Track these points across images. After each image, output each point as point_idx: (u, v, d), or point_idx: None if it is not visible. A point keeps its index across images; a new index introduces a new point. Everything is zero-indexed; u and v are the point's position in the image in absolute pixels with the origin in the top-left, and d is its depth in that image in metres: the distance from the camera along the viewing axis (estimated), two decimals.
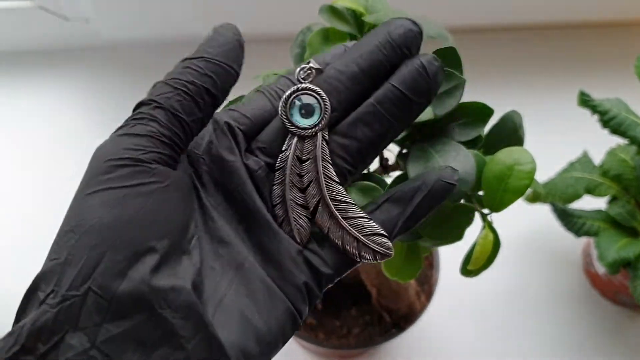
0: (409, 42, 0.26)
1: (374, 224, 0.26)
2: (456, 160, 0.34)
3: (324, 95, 0.26)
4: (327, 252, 0.26)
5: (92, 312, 0.21)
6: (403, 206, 0.27)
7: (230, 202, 0.26)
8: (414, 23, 0.26)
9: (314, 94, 0.26)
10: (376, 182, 0.35)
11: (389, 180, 0.37)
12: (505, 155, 0.35)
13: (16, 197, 0.71)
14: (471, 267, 0.36)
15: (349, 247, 0.26)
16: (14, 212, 0.70)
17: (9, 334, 0.22)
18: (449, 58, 0.36)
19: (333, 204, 0.26)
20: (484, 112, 0.36)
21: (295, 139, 0.26)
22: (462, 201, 0.36)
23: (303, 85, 0.26)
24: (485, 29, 0.80)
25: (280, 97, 0.27)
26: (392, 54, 0.26)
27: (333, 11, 0.39)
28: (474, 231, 0.37)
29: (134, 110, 0.25)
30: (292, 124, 0.26)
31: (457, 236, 0.37)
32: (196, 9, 0.73)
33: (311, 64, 0.26)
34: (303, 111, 0.26)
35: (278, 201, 0.26)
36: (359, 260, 0.26)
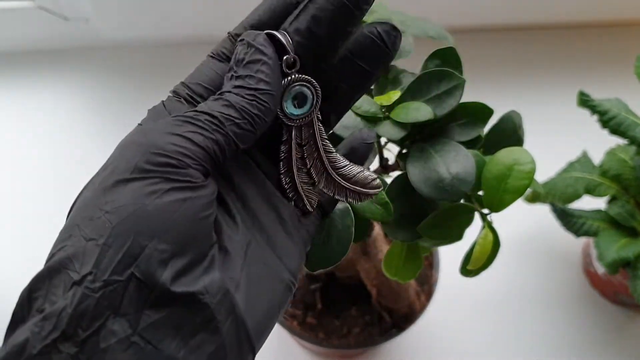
0: None
1: (367, 172, 0.29)
2: (456, 160, 0.34)
3: (313, 81, 0.26)
4: (310, 222, 0.29)
5: (134, 299, 0.21)
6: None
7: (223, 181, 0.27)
8: None
9: (305, 82, 0.26)
10: None
11: (388, 180, 0.37)
12: (505, 155, 0.35)
13: (16, 195, 0.71)
14: (471, 267, 0.36)
15: (351, 199, 0.30)
16: (13, 212, 0.70)
17: (43, 319, 0.21)
18: (449, 58, 0.36)
19: (335, 172, 0.29)
20: (484, 112, 0.36)
21: (294, 128, 0.27)
22: (462, 201, 0.36)
23: (298, 76, 0.26)
24: (485, 29, 0.80)
25: (227, 58, 0.27)
26: (352, 18, 0.25)
27: None
28: (473, 231, 0.37)
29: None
30: (288, 117, 0.27)
31: (457, 236, 0.37)
32: (196, 9, 0.73)
33: (292, 53, 0.26)
34: (296, 101, 0.27)
35: (289, 187, 0.28)
36: (361, 201, 0.30)
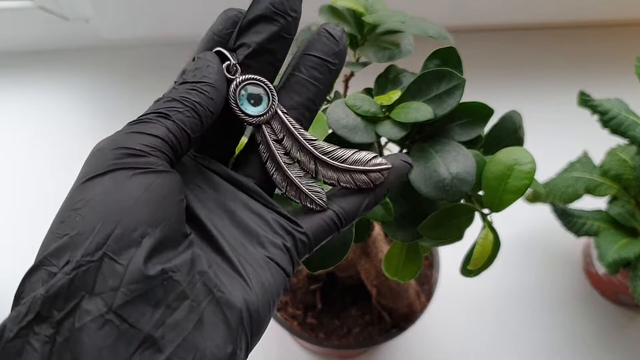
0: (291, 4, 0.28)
1: (364, 152, 0.28)
2: (456, 160, 0.34)
3: (260, 77, 0.27)
4: (302, 219, 0.28)
5: (108, 277, 0.22)
6: (363, 196, 0.28)
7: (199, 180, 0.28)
8: None
9: (253, 80, 0.27)
10: None
11: None
12: (505, 155, 0.35)
13: (16, 196, 0.71)
14: (471, 267, 0.36)
15: (361, 183, 0.28)
16: (13, 212, 0.70)
17: (21, 305, 0.22)
18: (449, 58, 0.36)
19: (328, 157, 0.28)
20: (484, 112, 0.36)
21: (263, 127, 0.28)
22: (462, 201, 0.36)
23: (238, 79, 0.27)
24: (485, 29, 0.80)
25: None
26: (286, 25, 0.27)
27: (333, 11, 0.39)
28: (474, 231, 0.37)
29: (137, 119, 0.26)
30: (250, 116, 0.28)
31: (457, 236, 0.37)
32: (196, 9, 0.73)
33: (232, 60, 0.27)
34: (252, 100, 0.28)
35: (285, 184, 0.28)
36: (373, 184, 0.28)
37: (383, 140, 0.37)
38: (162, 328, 0.22)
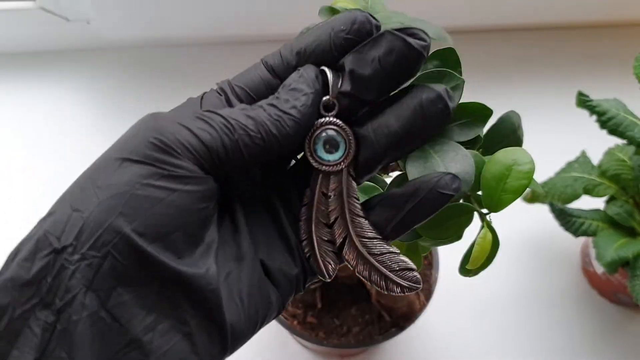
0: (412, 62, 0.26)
1: (403, 257, 0.26)
2: (455, 160, 0.34)
3: (348, 129, 0.26)
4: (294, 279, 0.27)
5: (108, 276, 0.22)
6: (394, 212, 0.27)
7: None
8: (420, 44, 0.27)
9: (338, 128, 0.25)
10: (375, 182, 0.35)
11: (388, 180, 0.37)
12: (504, 155, 0.35)
13: (17, 197, 0.71)
14: (470, 266, 0.36)
15: (377, 283, 0.26)
16: (14, 212, 0.70)
17: (24, 285, 0.22)
18: (449, 59, 0.37)
19: (360, 240, 0.26)
20: (483, 112, 0.36)
21: (321, 175, 0.26)
22: (461, 201, 0.36)
23: (327, 119, 0.25)
24: (485, 29, 0.80)
25: (271, 70, 0.26)
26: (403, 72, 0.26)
27: (333, 12, 0.39)
28: (473, 231, 0.37)
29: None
30: (317, 160, 0.26)
31: (456, 236, 0.37)
32: (196, 10, 0.73)
33: (331, 95, 0.25)
34: (327, 146, 0.26)
35: (305, 237, 0.27)
36: (387, 290, 0.27)
37: None
38: (151, 333, 0.22)
